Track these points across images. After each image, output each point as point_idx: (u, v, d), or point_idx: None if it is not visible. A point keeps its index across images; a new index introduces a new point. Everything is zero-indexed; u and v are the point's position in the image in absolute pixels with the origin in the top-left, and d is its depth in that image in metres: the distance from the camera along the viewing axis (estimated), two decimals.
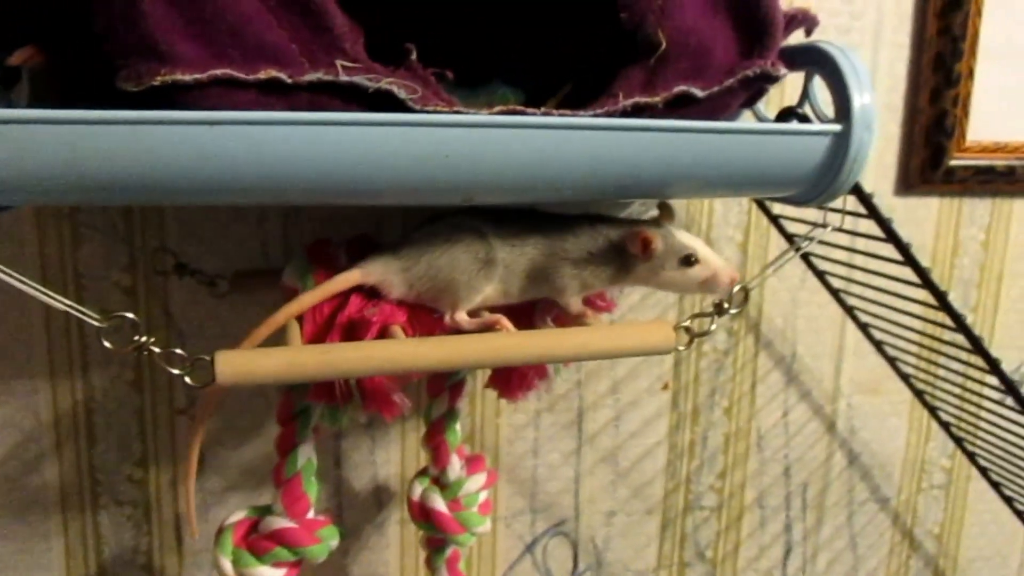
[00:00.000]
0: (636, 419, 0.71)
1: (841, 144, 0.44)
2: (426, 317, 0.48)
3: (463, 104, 0.40)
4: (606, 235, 0.48)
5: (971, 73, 0.70)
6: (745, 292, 0.47)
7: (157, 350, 0.40)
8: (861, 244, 0.66)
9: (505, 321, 0.47)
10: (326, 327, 0.47)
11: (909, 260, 0.52)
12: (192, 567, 0.64)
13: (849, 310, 0.68)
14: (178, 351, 0.40)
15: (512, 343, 0.44)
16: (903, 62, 0.70)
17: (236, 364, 0.40)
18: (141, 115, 0.34)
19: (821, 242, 0.64)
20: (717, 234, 0.69)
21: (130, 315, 0.39)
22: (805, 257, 0.66)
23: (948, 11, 0.68)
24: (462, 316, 0.47)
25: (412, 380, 0.60)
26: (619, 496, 0.72)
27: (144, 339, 0.39)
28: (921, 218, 0.74)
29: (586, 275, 0.48)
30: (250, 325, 0.57)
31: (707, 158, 0.42)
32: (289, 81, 0.37)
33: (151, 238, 0.58)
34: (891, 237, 0.51)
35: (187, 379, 0.40)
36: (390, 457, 0.66)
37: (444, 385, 0.58)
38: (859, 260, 0.64)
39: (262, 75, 0.37)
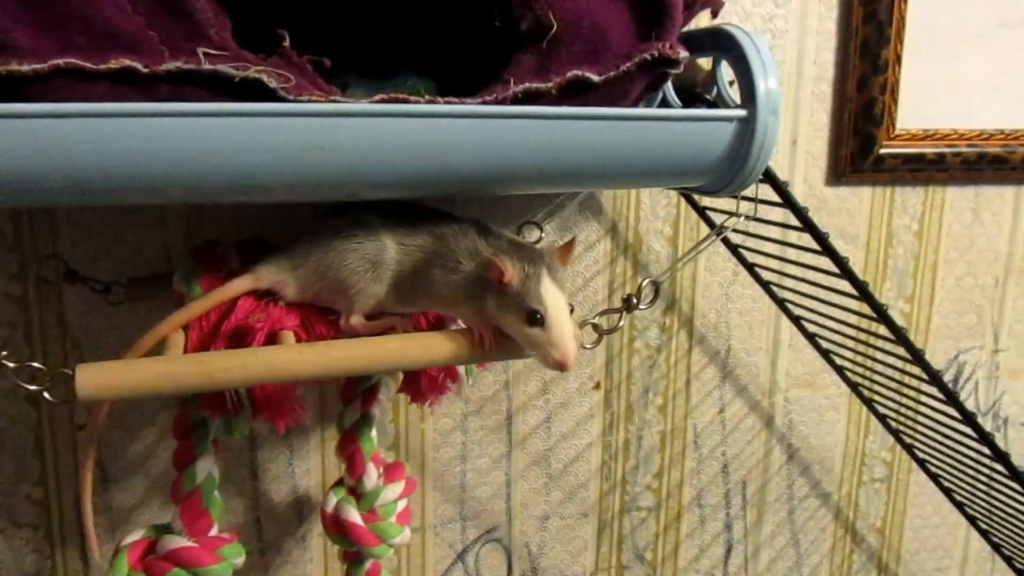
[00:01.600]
0: (568, 420, 0.69)
1: (747, 130, 0.42)
2: (320, 322, 0.45)
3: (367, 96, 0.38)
4: (480, 250, 0.43)
5: (899, 60, 0.69)
6: (655, 287, 0.46)
7: (11, 364, 0.37)
8: (792, 236, 0.65)
9: (401, 325, 0.45)
10: (212, 335, 0.44)
11: (826, 249, 0.50)
12: None
13: (781, 303, 0.67)
14: (36, 364, 0.37)
15: (405, 346, 0.41)
16: (830, 50, 0.68)
17: (98, 378, 0.37)
18: None
19: (751, 235, 0.62)
20: (645, 227, 0.67)
21: None
22: (734, 250, 0.65)
23: None
24: (357, 319, 0.45)
25: (321, 385, 0.57)
26: (553, 500, 0.70)
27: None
28: (853, 208, 0.72)
29: (451, 285, 0.43)
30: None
31: (604, 146, 0.40)
32: (145, 71, 0.35)
33: (42, 244, 0.54)
34: (807, 226, 0.50)
35: (46, 395, 0.37)
36: (310, 467, 0.63)
37: (356, 391, 0.55)
38: (790, 253, 0.62)
39: (113, 64, 0.34)
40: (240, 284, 0.45)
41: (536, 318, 0.41)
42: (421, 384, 0.52)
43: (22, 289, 0.55)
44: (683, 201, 0.67)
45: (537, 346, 0.41)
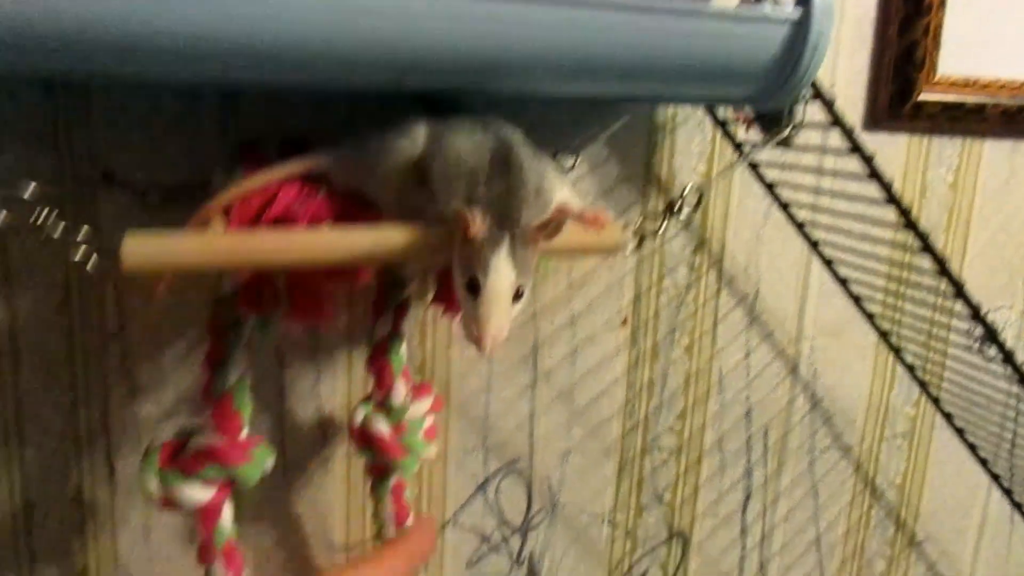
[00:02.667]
0: (593, 355, 0.69)
1: (800, 33, 0.41)
2: (359, 218, 0.45)
3: None
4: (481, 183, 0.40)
5: (943, 3, 0.68)
6: (699, 194, 0.45)
7: (58, 229, 0.37)
8: (828, 181, 0.65)
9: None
10: (253, 224, 0.44)
11: (872, 172, 0.50)
12: (124, 501, 0.61)
13: (813, 244, 0.67)
14: (83, 228, 0.37)
15: (444, 235, 0.41)
16: None
17: (144, 248, 0.37)
18: None
19: (786, 168, 0.62)
20: (679, 164, 0.66)
21: (33, 184, 0.36)
22: (770, 188, 0.64)
23: None
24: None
25: (354, 286, 0.57)
26: (575, 435, 0.70)
27: (45, 213, 0.36)
28: (889, 156, 0.72)
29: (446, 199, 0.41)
30: None
31: (654, 41, 0.39)
32: None
33: (78, 147, 0.54)
34: (854, 146, 0.49)
35: (88, 264, 0.37)
36: (336, 388, 0.63)
37: (388, 304, 0.55)
38: (823, 200, 0.62)
39: None
40: (293, 166, 0.45)
41: (473, 286, 0.38)
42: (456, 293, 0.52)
43: (58, 191, 0.55)
44: (718, 139, 0.66)
45: (464, 314, 0.39)
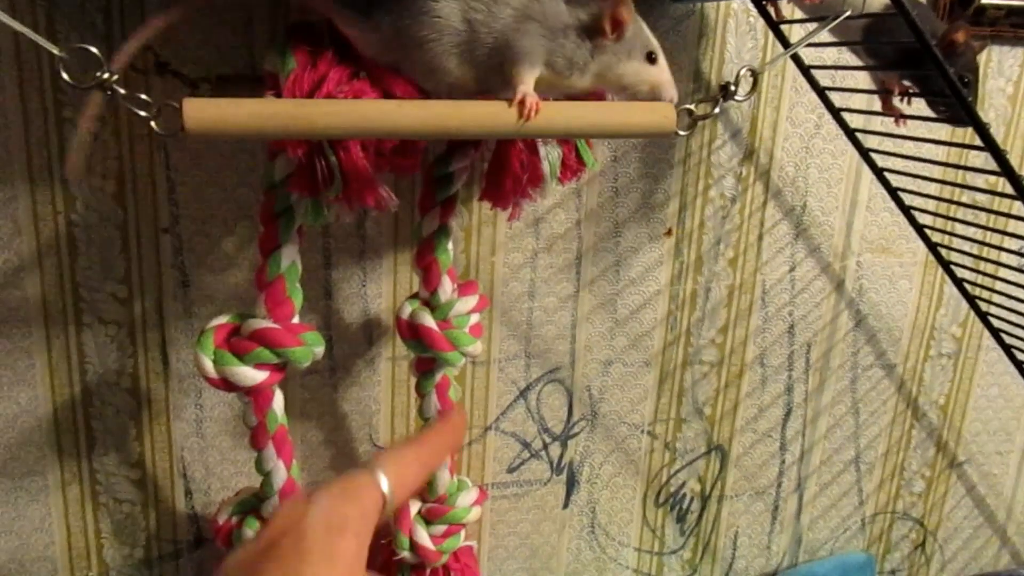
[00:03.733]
0: (637, 265, 0.69)
1: None
2: (404, 90, 0.45)
3: None
4: (578, 13, 0.43)
5: None
6: (755, 76, 0.44)
7: (122, 90, 0.37)
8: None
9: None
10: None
11: (936, 64, 0.48)
12: (178, 392, 0.63)
13: (865, 153, 0.65)
14: (142, 96, 0.38)
15: (497, 111, 0.41)
16: None
17: (205, 111, 0.38)
18: None
19: (838, 76, 0.60)
20: (729, 69, 0.65)
21: (92, 48, 0.36)
22: (822, 93, 0.63)
23: None
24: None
25: (406, 169, 0.57)
26: (616, 345, 0.70)
27: (108, 75, 0.37)
28: None
29: (553, 46, 0.43)
30: None
31: None
32: None
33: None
34: (916, 33, 0.47)
35: (153, 125, 0.38)
36: (381, 291, 0.64)
37: (435, 199, 0.55)
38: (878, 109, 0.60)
39: None
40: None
41: (653, 57, 0.44)
42: (504, 185, 0.52)
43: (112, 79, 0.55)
44: (769, 43, 0.65)
45: (654, 84, 0.44)
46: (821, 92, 0.63)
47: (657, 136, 0.44)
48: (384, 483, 0.32)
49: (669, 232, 0.69)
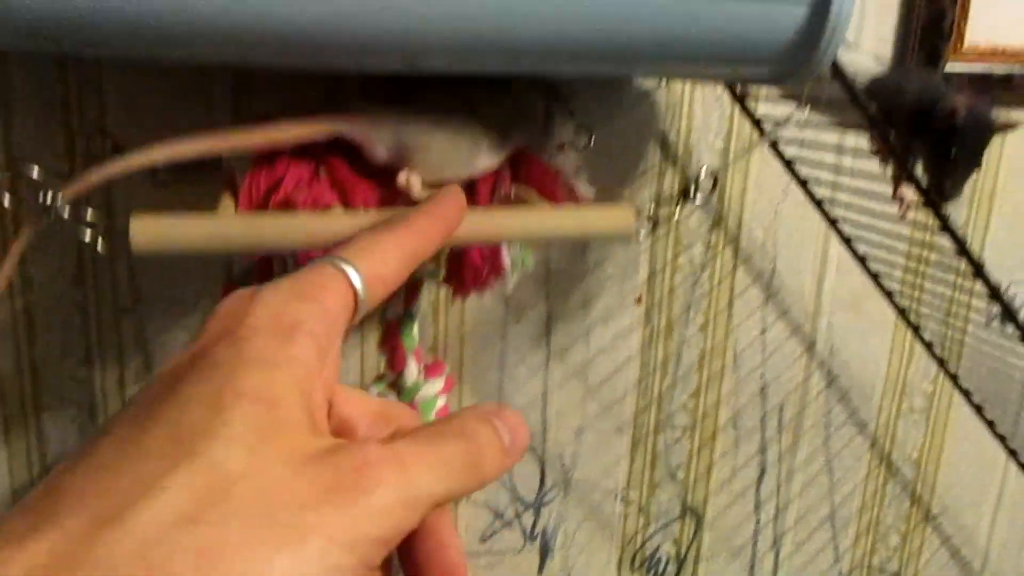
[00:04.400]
0: (607, 333, 0.68)
1: (819, 13, 0.40)
2: (365, 203, 0.45)
3: None
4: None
5: None
6: (714, 178, 0.44)
7: (65, 215, 0.36)
8: (848, 160, 0.63)
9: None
10: (260, 207, 0.44)
11: (891, 150, 0.48)
12: None
13: (833, 222, 0.65)
14: (90, 212, 0.37)
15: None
16: None
17: (153, 229, 0.37)
18: None
19: (805, 146, 0.60)
20: (696, 139, 0.65)
21: (36, 168, 0.36)
22: (788, 164, 0.63)
23: None
24: (417, 180, 0.44)
25: None
26: (588, 412, 0.70)
27: (52, 197, 0.36)
28: None
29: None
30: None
31: (677, 19, 0.38)
32: None
33: (89, 121, 0.54)
34: (872, 123, 0.48)
35: (99, 247, 0.37)
36: (349, 366, 0.64)
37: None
38: (843, 176, 0.61)
39: None
40: (324, 126, 0.44)
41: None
42: (464, 274, 0.51)
43: (68, 167, 0.54)
44: (736, 114, 0.65)
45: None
46: (788, 163, 0.63)
47: (618, 238, 0.43)
48: (355, 275, 0.26)
49: (639, 300, 0.68)
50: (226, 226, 0.38)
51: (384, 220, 0.30)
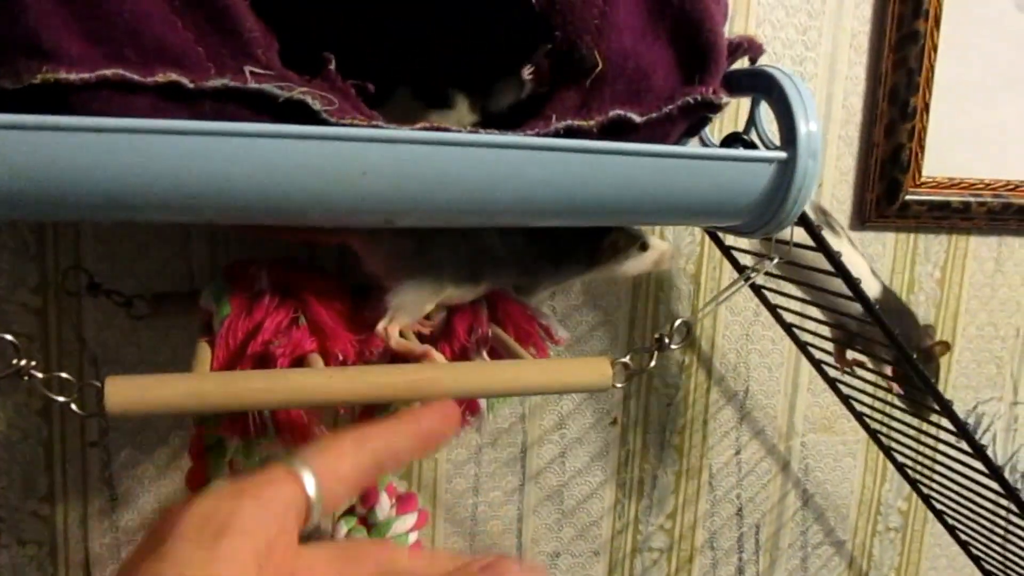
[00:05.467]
0: (583, 455, 0.68)
1: (786, 172, 0.42)
2: (343, 348, 0.45)
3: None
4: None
5: (927, 107, 0.69)
6: (687, 327, 0.45)
7: (39, 375, 0.36)
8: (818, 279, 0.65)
9: (434, 353, 0.44)
10: (238, 356, 0.43)
11: (858, 296, 0.50)
12: None
13: (803, 346, 0.66)
14: (63, 375, 0.37)
15: (435, 376, 0.41)
16: (858, 96, 0.68)
17: (128, 392, 0.36)
18: (15, 119, 0.31)
19: (774, 275, 0.62)
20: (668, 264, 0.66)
21: (8, 336, 0.35)
22: (757, 291, 0.64)
23: (904, 45, 0.67)
24: (395, 330, 0.45)
25: (338, 412, 0.56)
26: (564, 536, 0.69)
27: (24, 362, 0.36)
28: (877, 254, 0.72)
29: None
30: (170, 350, 0.54)
31: (643, 183, 0.40)
32: (191, 86, 0.34)
33: (64, 257, 0.54)
34: (840, 272, 0.49)
35: (73, 407, 0.37)
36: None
37: (374, 417, 0.54)
38: (814, 295, 0.62)
39: (160, 78, 0.34)
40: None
41: (646, 246, 0.52)
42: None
43: (42, 301, 0.54)
44: (707, 239, 0.67)
45: (655, 261, 0.53)
46: (758, 290, 0.65)
47: (596, 391, 0.43)
48: (306, 472, 0.25)
49: (615, 421, 0.68)
50: (202, 386, 0.37)
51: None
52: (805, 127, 0.42)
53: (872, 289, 0.57)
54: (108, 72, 0.33)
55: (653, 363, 0.44)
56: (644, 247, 0.51)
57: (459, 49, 0.48)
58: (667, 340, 0.45)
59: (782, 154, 0.42)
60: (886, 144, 0.69)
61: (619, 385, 0.44)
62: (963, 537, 0.73)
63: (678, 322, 0.44)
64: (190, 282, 0.56)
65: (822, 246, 0.48)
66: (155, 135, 0.33)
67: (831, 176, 0.69)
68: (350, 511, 0.56)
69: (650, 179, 0.40)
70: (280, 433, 0.45)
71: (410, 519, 0.56)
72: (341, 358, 0.44)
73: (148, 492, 0.58)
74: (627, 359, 0.44)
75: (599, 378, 0.43)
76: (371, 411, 0.54)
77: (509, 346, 0.48)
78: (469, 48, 0.48)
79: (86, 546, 0.58)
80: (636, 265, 0.53)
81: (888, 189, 0.69)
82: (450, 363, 0.43)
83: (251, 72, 0.35)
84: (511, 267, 0.50)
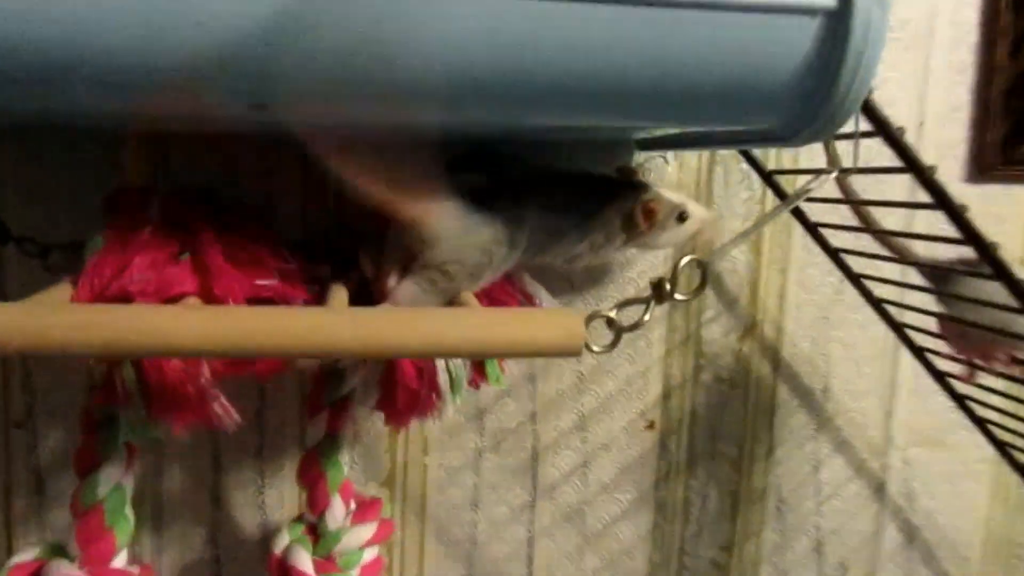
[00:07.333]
0: (610, 467, 0.55)
1: (839, 28, 0.28)
2: (227, 285, 0.34)
3: None
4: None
5: None
6: (703, 268, 0.32)
7: None
8: (921, 247, 0.49)
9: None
10: (99, 297, 0.34)
11: (968, 235, 0.35)
12: None
13: (899, 328, 0.51)
14: None
15: (330, 321, 0.29)
16: (972, 6, 0.53)
17: None
18: None
19: (853, 228, 0.47)
20: (721, 227, 0.53)
21: None
22: (834, 254, 0.50)
23: None
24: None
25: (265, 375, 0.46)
26: (587, 567, 0.56)
27: None
28: (1003, 212, 0.56)
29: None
30: None
31: (642, 48, 0.27)
32: None
33: None
34: (940, 202, 0.34)
35: None
36: (283, 496, 0.52)
37: (322, 402, 0.43)
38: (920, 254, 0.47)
39: None
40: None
41: (684, 216, 0.44)
42: (396, 398, 0.39)
43: None
44: (767, 193, 0.53)
45: (672, 239, 0.45)
46: (834, 254, 0.50)
47: (561, 355, 0.30)
48: None
49: (651, 425, 0.55)
50: (36, 320, 0.27)
51: None
52: None
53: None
54: None
55: (647, 317, 0.31)
56: (682, 217, 0.44)
57: None
58: (669, 286, 0.31)
59: (831, 2, 0.28)
60: (1011, 68, 0.53)
61: (597, 349, 0.31)
62: None
63: (685, 260, 0.31)
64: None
65: (906, 158, 0.34)
66: None
67: (936, 112, 0.54)
68: (299, 518, 0.45)
69: (654, 36, 0.27)
70: (150, 402, 0.34)
71: (366, 530, 0.44)
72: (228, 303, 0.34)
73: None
74: (612, 312, 0.31)
75: (564, 337, 0.30)
76: (320, 392, 0.44)
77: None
78: None
79: (9, 534, 0.50)
80: (673, 237, 0.45)
81: (1015, 127, 0.53)
82: (353, 308, 0.31)
83: None
84: (545, 241, 0.42)
